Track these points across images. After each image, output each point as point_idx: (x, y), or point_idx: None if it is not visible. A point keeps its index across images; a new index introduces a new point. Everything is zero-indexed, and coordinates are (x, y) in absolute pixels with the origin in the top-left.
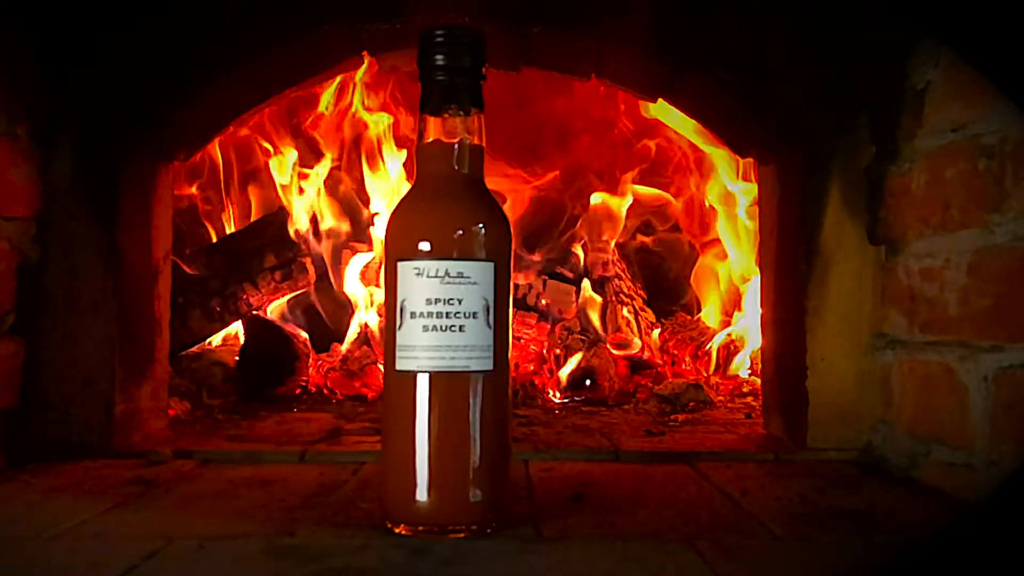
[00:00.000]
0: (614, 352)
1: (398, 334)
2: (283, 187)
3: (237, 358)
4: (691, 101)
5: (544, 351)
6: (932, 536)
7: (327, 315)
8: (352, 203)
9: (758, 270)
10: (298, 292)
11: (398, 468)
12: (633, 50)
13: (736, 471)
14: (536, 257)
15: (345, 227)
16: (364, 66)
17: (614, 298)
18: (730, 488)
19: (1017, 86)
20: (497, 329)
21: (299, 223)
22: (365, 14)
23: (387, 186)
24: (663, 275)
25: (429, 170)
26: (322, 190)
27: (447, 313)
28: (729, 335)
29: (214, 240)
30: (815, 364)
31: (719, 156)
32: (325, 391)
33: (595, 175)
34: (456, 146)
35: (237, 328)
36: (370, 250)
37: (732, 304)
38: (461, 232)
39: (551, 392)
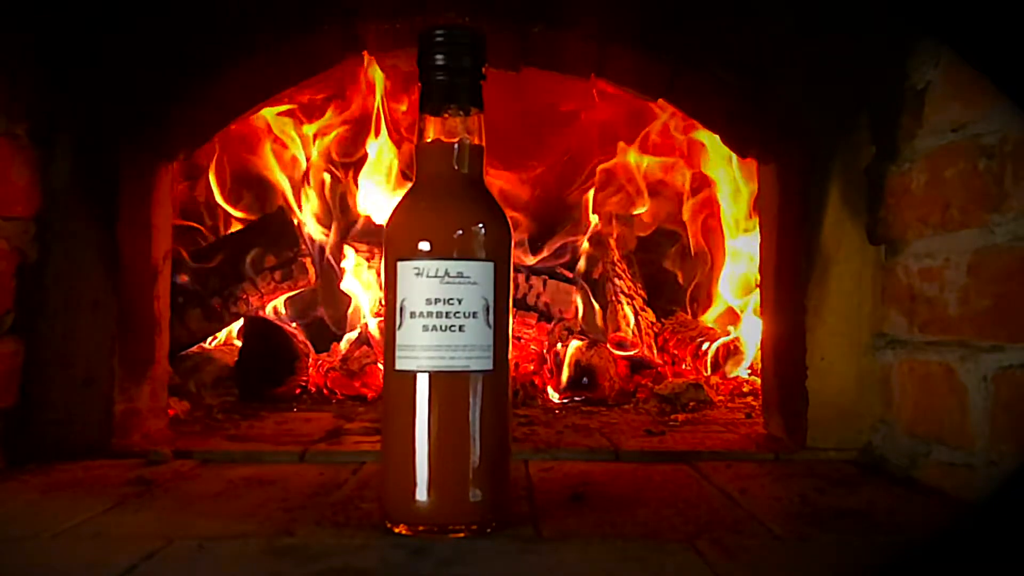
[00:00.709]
0: (614, 352)
1: (398, 334)
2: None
3: (237, 358)
4: (691, 101)
5: (544, 351)
6: (932, 536)
7: (327, 315)
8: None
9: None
10: (298, 291)
11: (398, 468)
12: (633, 50)
13: (736, 471)
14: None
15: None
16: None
17: (614, 298)
18: (730, 488)
19: (1017, 86)
20: (497, 329)
21: (300, 222)
22: (365, 14)
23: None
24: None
25: (429, 170)
26: (324, 190)
27: (447, 313)
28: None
29: (214, 239)
30: (815, 364)
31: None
32: (325, 391)
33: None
34: (456, 146)
35: (237, 328)
36: (370, 250)
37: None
38: (461, 232)
39: (551, 392)
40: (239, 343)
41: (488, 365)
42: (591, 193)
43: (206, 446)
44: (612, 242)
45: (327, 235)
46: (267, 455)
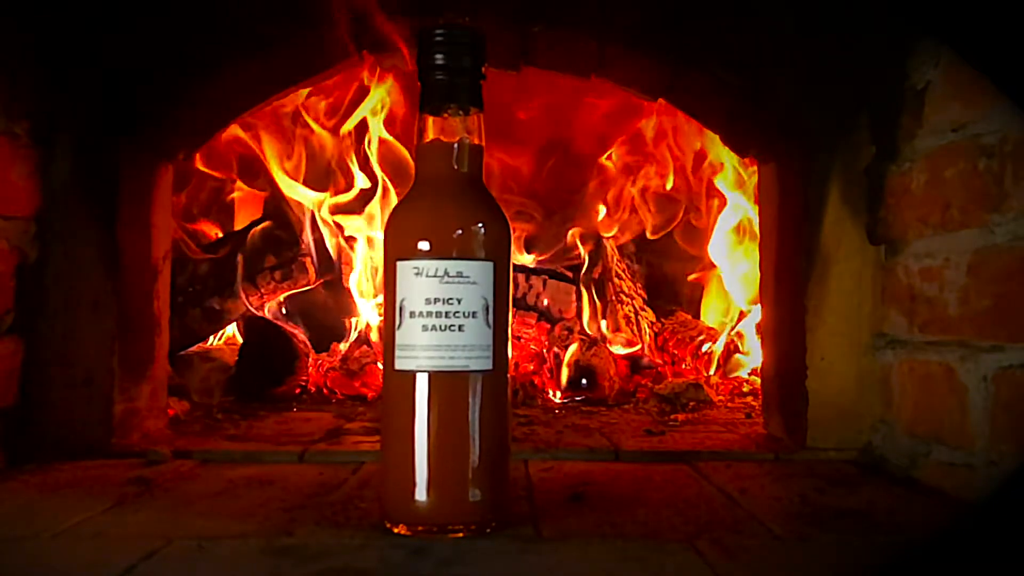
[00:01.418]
0: (614, 352)
1: (397, 334)
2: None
3: (237, 358)
4: (691, 101)
5: (544, 351)
6: (932, 536)
7: (327, 314)
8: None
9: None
10: (298, 291)
11: (397, 468)
12: (634, 50)
13: (736, 471)
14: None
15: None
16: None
17: (614, 298)
18: (730, 488)
19: (1017, 86)
20: (496, 329)
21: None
22: (365, 14)
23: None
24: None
25: (428, 169)
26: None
27: (446, 313)
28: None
29: (214, 239)
30: (815, 364)
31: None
32: (325, 391)
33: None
34: (455, 146)
35: (236, 328)
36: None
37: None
38: (460, 232)
39: (551, 392)
40: (239, 342)
41: (488, 365)
42: (590, 193)
43: (206, 446)
44: (612, 242)
45: (327, 234)
46: (267, 455)
